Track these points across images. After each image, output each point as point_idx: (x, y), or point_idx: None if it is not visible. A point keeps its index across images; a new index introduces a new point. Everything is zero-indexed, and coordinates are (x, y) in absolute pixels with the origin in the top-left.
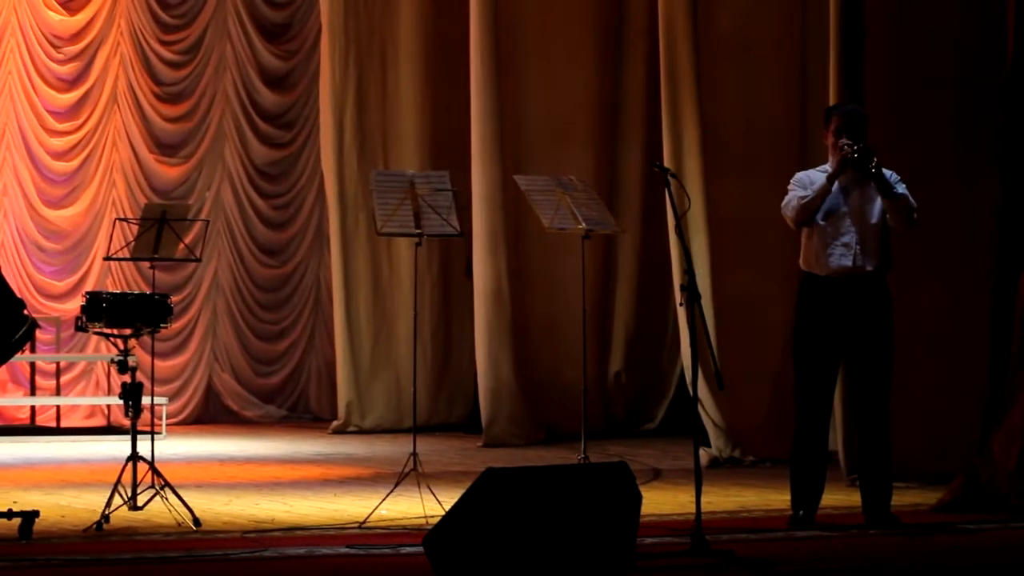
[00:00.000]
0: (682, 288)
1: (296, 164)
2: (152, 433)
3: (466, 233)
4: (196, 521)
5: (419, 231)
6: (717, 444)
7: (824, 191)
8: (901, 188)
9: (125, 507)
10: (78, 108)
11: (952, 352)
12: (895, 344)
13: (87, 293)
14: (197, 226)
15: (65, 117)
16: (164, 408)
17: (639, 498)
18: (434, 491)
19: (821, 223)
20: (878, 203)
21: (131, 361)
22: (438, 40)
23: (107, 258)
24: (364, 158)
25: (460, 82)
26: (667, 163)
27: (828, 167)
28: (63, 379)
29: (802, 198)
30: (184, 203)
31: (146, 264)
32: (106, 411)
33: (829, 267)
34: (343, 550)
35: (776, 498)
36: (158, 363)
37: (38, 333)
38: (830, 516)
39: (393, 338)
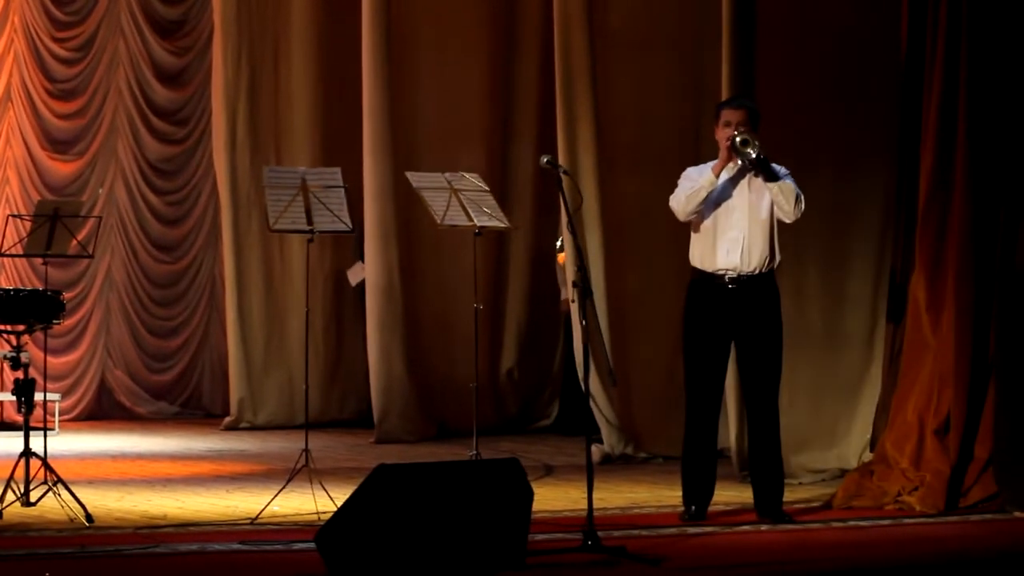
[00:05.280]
0: (574, 284)
1: (190, 160)
2: (44, 429)
3: (357, 229)
4: (89, 517)
5: (311, 228)
6: (610, 440)
7: (710, 182)
8: (789, 181)
9: (17, 503)
10: None
11: (841, 347)
12: (783, 339)
13: None
14: (90, 222)
15: None
16: (57, 404)
17: (530, 494)
18: (326, 487)
19: (709, 218)
20: (767, 198)
21: (23, 357)
22: (331, 37)
23: (0, 254)
24: (256, 154)
25: (352, 79)
26: (561, 159)
27: None
28: None
29: (688, 189)
30: (77, 199)
31: (39, 260)
32: None
33: (716, 263)
34: (235, 546)
35: (668, 494)
36: (51, 359)
37: None
38: (722, 512)
39: (286, 334)
